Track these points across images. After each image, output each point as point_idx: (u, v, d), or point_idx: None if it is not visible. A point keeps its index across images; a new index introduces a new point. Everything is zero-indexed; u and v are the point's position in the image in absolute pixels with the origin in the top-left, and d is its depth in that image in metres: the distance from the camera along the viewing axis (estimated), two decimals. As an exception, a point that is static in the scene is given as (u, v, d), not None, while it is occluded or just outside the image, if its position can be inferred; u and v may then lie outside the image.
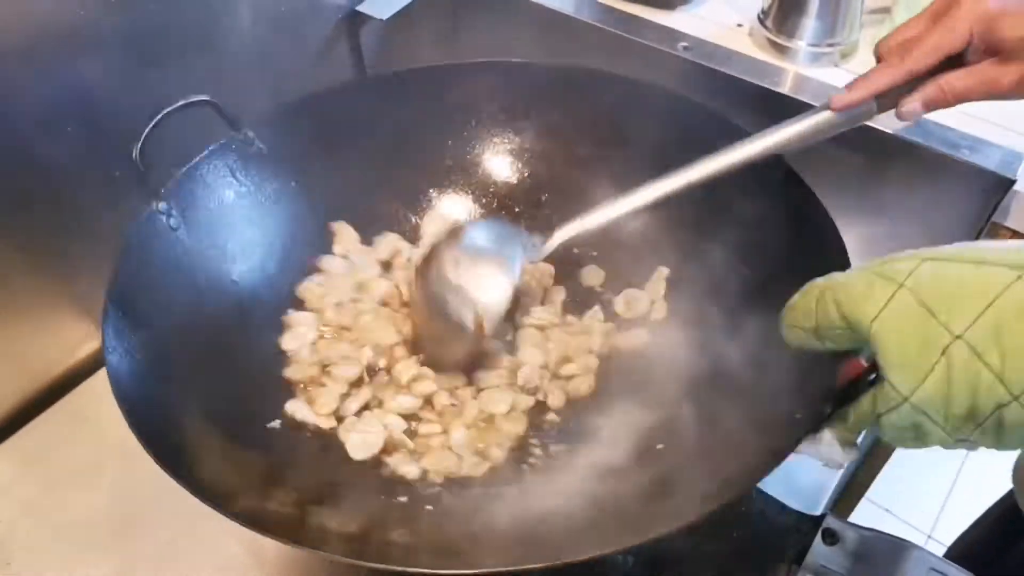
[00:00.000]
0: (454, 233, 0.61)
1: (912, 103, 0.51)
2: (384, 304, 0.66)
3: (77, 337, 0.72)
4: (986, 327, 0.36)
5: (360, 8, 0.84)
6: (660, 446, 0.55)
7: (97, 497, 0.64)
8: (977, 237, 0.70)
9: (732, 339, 0.57)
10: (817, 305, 0.42)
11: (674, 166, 0.66)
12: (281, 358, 0.63)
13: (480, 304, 0.57)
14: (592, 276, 0.69)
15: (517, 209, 0.72)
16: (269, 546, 0.61)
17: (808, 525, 0.56)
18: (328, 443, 0.59)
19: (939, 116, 0.66)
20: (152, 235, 0.58)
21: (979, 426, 0.37)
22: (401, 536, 0.49)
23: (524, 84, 0.70)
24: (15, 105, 0.60)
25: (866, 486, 1.08)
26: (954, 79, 0.49)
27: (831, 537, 0.54)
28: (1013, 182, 0.65)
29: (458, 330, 0.58)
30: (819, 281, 0.43)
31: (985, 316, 0.36)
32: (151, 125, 0.55)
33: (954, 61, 0.49)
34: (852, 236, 0.79)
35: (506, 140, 0.72)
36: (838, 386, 0.46)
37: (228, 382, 0.58)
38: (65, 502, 0.64)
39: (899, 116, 0.52)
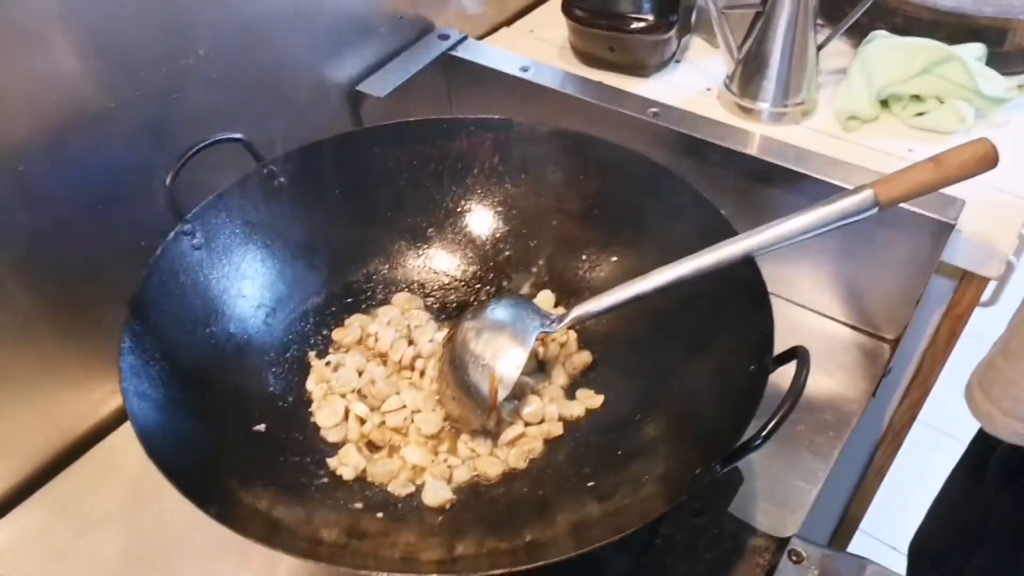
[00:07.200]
0: (479, 307, 0.69)
1: None
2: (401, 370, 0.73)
3: (103, 393, 0.78)
4: None
5: (360, 87, 0.92)
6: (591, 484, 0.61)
7: (124, 541, 0.69)
8: (931, 275, 0.75)
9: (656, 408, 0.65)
10: None
11: (655, 230, 0.72)
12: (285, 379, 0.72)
13: (495, 371, 0.64)
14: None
15: (508, 253, 0.80)
16: (283, 582, 0.66)
17: (776, 546, 0.60)
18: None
19: (884, 166, 0.71)
20: (176, 252, 0.66)
21: None
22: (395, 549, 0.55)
23: (524, 142, 0.78)
24: (51, 186, 0.67)
25: (859, 518, 1.11)
26: None
27: (796, 557, 0.59)
28: (953, 226, 0.71)
29: (476, 393, 0.64)
30: None
31: None
32: (185, 158, 0.64)
33: None
34: (820, 276, 0.85)
35: (501, 192, 0.80)
36: None
37: (229, 397, 0.66)
38: (94, 546, 0.69)
39: None
